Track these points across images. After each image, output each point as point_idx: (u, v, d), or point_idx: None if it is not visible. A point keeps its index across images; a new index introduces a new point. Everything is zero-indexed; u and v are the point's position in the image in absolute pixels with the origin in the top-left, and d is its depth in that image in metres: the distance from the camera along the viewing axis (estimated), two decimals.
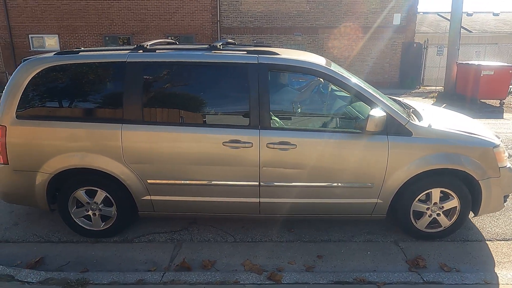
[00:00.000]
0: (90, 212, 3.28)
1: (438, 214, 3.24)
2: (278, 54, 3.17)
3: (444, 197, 3.21)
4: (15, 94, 3.08)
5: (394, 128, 3.04)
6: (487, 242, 3.34)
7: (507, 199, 3.35)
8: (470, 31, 23.51)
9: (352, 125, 3.15)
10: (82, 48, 3.37)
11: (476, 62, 11.96)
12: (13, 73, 3.14)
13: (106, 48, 3.54)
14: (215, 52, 3.17)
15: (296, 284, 2.70)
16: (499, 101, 11.39)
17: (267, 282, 2.72)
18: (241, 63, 3.08)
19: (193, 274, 2.82)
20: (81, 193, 3.22)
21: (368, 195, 3.15)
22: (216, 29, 16.09)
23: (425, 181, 3.13)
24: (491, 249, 3.23)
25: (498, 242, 3.35)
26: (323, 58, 3.60)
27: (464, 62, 12.50)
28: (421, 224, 3.28)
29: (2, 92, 3.11)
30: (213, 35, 16.13)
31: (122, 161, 3.07)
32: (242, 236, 3.43)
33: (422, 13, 26.55)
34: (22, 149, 3.10)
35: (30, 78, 3.08)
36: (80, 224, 3.31)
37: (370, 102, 3.09)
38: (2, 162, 3.12)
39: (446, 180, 3.15)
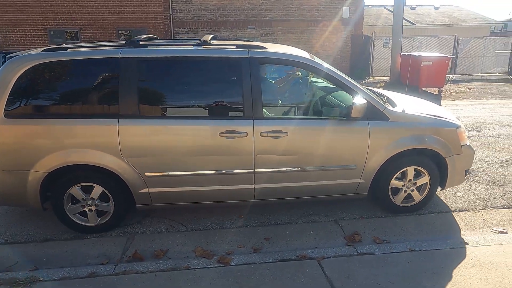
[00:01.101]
0: (86, 208, 3.28)
1: (412, 190, 3.64)
2: (266, 48, 3.37)
3: (417, 175, 3.61)
4: (2, 93, 2.99)
5: (373, 114, 3.37)
6: (414, 215, 3.74)
7: (467, 173, 3.84)
8: (414, 24, 24.96)
9: (336, 112, 3.39)
10: (64, 45, 3.29)
11: (416, 53, 12.82)
12: None
13: (93, 44, 3.47)
14: (206, 47, 3.28)
15: (244, 265, 2.89)
16: (438, 89, 12.35)
17: (216, 265, 2.89)
18: (233, 57, 3.23)
19: (145, 264, 2.92)
20: (77, 190, 3.20)
21: (352, 175, 3.46)
22: (169, 22, 15.82)
23: (401, 161, 3.49)
24: (417, 222, 3.63)
25: (423, 215, 3.76)
26: (305, 52, 3.85)
27: (406, 53, 13.34)
28: (398, 199, 3.66)
29: None
30: (166, 28, 15.85)
31: (119, 156, 3.09)
32: (194, 225, 3.58)
33: (370, 7, 27.75)
34: (12, 149, 3.03)
35: (17, 76, 3.00)
36: (76, 221, 3.30)
37: (352, 91, 3.39)
38: None
39: (418, 159, 3.54)
